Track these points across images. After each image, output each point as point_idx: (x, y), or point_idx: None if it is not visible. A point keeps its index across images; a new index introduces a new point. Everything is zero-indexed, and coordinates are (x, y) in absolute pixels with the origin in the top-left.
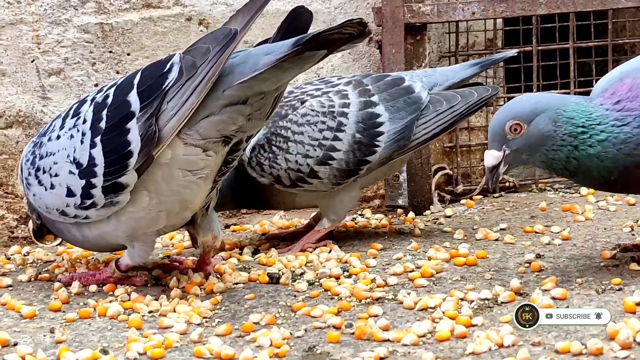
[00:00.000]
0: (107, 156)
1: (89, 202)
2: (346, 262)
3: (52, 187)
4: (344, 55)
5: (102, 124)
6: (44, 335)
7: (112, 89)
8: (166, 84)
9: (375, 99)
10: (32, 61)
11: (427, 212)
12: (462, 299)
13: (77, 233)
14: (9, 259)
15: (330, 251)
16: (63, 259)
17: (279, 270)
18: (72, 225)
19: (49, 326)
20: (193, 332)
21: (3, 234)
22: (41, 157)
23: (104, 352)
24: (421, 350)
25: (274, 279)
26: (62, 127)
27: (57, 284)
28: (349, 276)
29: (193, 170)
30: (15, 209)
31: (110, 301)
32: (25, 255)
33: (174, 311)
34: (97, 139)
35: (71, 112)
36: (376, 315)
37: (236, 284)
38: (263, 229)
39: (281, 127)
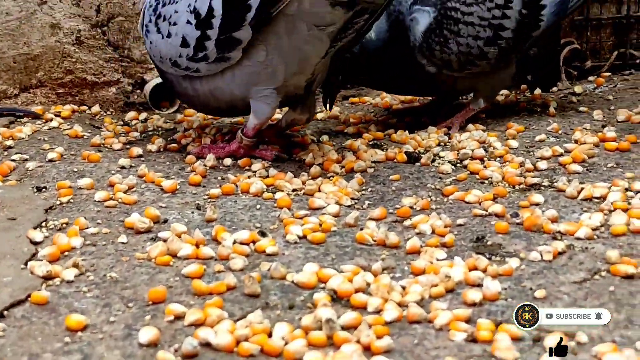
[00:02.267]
0: (225, 8)
1: (201, 54)
2: (484, 142)
3: (169, 35)
4: None
5: None
6: (192, 212)
7: None
8: None
9: None
10: None
11: (554, 88)
12: (627, 189)
13: (188, 86)
14: (127, 124)
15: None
16: (188, 130)
17: (416, 149)
18: (184, 78)
19: (194, 202)
20: (348, 215)
21: (119, 99)
22: (164, 5)
23: (262, 234)
24: (599, 246)
25: (412, 158)
26: None
27: (189, 157)
28: (494, 158)
29: (319, 25)
30: (130, 74)
31: (249, 176)
32: (144, 122)
33: (319, 190)
34: None
35: None
36: (538, 204)
37: (374, 162)
38: (385, 102)
39: (450, 9)
